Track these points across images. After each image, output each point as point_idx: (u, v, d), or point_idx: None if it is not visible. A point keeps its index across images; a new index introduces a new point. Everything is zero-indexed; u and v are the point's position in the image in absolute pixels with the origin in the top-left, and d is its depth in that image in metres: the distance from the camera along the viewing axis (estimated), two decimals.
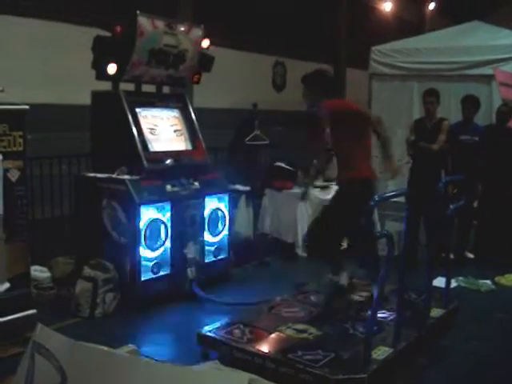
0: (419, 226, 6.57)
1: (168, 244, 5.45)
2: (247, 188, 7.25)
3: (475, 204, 7.12)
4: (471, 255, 7.10)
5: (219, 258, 6.08)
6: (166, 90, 6.42)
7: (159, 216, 5.36)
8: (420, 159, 6.68)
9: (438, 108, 6.75)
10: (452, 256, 6.04)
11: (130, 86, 5.79)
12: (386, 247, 3.76)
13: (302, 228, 7.19)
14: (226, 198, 6.16)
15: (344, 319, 4.47)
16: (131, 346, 3.48)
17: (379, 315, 4.12)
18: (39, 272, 5.61)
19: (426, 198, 5.08)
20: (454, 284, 5.69)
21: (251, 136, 7.17)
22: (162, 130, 5.86)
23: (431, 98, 6.66)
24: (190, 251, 5.62)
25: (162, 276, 5.41)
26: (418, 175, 6.60)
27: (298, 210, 7.19)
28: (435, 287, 4.72)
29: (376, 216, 7.12)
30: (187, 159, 5.92)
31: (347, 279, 5.00)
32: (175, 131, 6.01)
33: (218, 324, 4.29)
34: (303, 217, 7.24)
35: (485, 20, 10.90)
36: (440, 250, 4.99)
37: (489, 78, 9.11)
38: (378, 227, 7.08)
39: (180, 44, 5.77)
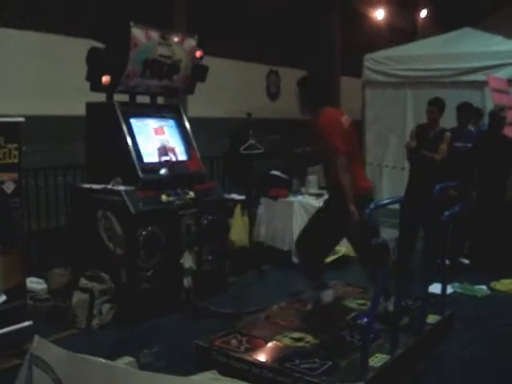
0: (417, 233, 6.57)
1: (164, 254, 5.45)
2: (242, 197, 7.25)
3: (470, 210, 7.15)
4: (466, 261, 7.11)
5: (215, 267, 6.07)
6: (160, 100, 6.44)
7: (155, 226, 5.36)
8: (419, 166, 6.66)
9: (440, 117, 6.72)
10: (447, 262, 6.05)
11: (125, 97, 5.80)
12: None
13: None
14: (222, 207, 6.16)
15: (341, 327, 4.48)
16: (129, 358, 3.48)
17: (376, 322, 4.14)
18: (35, 284, 5.60)
19: (424, 205, 5.09)
20: (450, 290, 5.71)
21: (246, 145, 7.18)
22: (157, 140, 5.87)
23: (431, 107, 6.62)
24: (186, 261, 5.62)
25: (158, 286, 5.40)
26: (417, 182, 6.58)
27: (294, 218, 7.20)
28: (431, 293, 4.74)
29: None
30: (182, 169, 5.93)
31: (331, 297, 4.86)
32: (170, 141, 6.01)
33: (214, 333, 4.30)
34: (299, 225, 7.24)
35: (476, 27, 10.98)
36: (435, 257, 5.00)
37: (481, 84, 9.17)
38: None
39: (174, 54, 5.79)
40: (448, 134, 6.62)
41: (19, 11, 7.15)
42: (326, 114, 4.63)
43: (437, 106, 6.62)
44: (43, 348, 2.84)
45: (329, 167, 4.64)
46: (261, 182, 7.89)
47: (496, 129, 7.13)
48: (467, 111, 6.98)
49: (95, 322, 5.12)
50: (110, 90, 5.56)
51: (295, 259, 7.18)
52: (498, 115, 7.17)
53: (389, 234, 6.69)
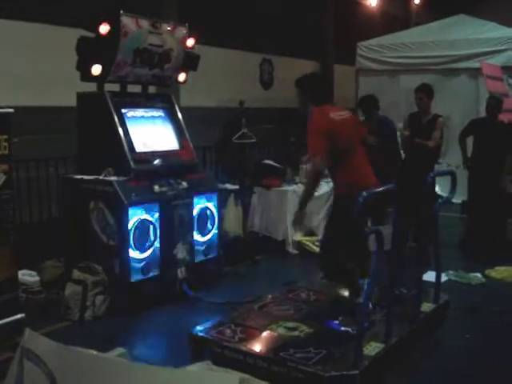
0: (410, 222, 6.55)
1: (157, 245, 5.43)
2: (236, 187, 7.23)
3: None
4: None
5: (209, 257, 6.05)
6: (152, 90, 6.38)
7: (147, 217, 5.34)
8: (413, 154, 6.63)
9: (431, 103, 6.65)
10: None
11: (116, 87, 5.75)
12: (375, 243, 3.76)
13: (292, 225, 7.17)
14: (215, 197, 6.14)
15: (335, 316, 4.46)
16: (121, 349, 3.46)
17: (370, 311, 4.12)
18: (28, 276, 5.56)
19: (418, 193, 5.06)
20: (444, 278, 5.70)
21: (238, 134, 7.15)
22: (149, 130, 5.83)
23: (419, 93, 6.60)
24: (180, 251, 5.61)
25: (151, 277, 5.38)
26: (411, 170, 6.54)
27: (288, 208, 7.18)
28: (426, 282, 4.73)
29: None
30: (175, 159, 5.89)
31: None
32: (162, 131, 5.97)
33: (209, 324, 4.28)
34: (293, 214, 7.21)
35: (470, 13, 10.97)
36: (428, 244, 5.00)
37: (475, 71, 9.17)
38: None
39: (165, 43, 5.74)
40: (441, 119, 6.60)
41: (7, 1, 7.07)
42: (316, 113, 4.46)
43: (423, 92, 6.59)
44: (34, 341, 2.81)
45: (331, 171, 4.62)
46: (254, 171, 7.87)
47: (490, 115, 7.11)
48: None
49: (88, 314, 5.10)
50: (100, 79, 5.51)
51: (289, 249, 7.18)
52: (489, 102, 7.15)
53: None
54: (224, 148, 7.64)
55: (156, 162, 5.60)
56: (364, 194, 3.65)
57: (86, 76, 5.42)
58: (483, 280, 6.19)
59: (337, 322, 4.34)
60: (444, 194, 4.74)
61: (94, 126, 5.62)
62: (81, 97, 5.66)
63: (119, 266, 5.23)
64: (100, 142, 5.56)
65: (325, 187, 7.49)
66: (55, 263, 5.89)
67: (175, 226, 5.59)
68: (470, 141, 7.35)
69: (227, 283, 6.07)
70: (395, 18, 16.32)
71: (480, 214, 7.06)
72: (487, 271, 6.36)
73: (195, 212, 5.84)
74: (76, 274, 5.25)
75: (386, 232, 3.90)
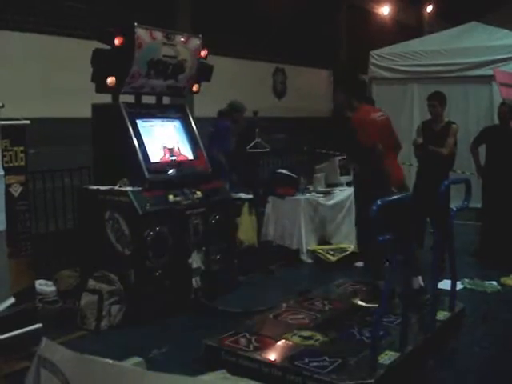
0: (425, 230, 6.53)
1: (172, 254, 5.45)
2: (250, 196, 7.24)
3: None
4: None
5: (224, 266, 6.06)
6: (166, 100, 6.43)
7: (162, 226, 5.36)
8: (427, 162, 6.62)
9: (444, 110, 6.65)
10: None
11: (130, 98, 5.80)
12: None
13: (306, 234, 7.18)
14: (229, 206, 6.15)
15: (350, 325, 4.46)
16: (137, 358, 3.48)
17: (385, 319, 4.12)
18: (44, 286, 5.62)
19: (433, 201, 5.05)
20: (459, 286, 5.68)
21: (252, 144, 7.17)
22: (163, 140, 5.87)
23: (432, 101, 6.59)
24: (195, 261, 5.62)
25: (166, 287, 5.40)
26: (425, 178, 6.52)
27: (302, 217, 7.18)
28: (441, 290, 4.71)
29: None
30: (189, 169, 5.93)
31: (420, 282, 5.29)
32: (176, 141, 6.01)
33: (223, 333, 4.29)
34: (307, 223, 7.23)
35: (482, 21, 10.95)
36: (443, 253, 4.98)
37: (489, 79, 9.15)
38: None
39: (179, 54, 5.78)
40: (454, 126, 6.57)
41: (22, 14, 7.16)
42: (362, 110, 5.26)
43: (437, 99, 6.57)
44: (51, 350, 2.82)
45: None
46: (268, 180, 7.89)
47: (502, 122, 7.09)
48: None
49: (104, 324, 5.13)
50: (115, 91, 5.56)
51: (304, 257, 7.18)
52: (499, 110, 7.14)
53: None
54: (238, 157, 7.66)
55: (170, 171, 5.64)
56: (379, 202, 3.66)
57: (101, 87, 5.47)
58: (499, 288, 6.15)
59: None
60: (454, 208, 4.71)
61: (109, 137, 5.66)
62: (96, 108, 5.71)
63: (134, 275, 5.26)
64: (115, 153, 5.60)
65: (339, 196, 7.51)
66: (71, 273, 5.93)
67: (190, 235, 5.61)
68: (482, 150, 7.34)
69: (242, 292, 6.07)
70: (408, 27, 16.33)
71: (495, 221, 7.02)
72: (503, 279, 6.32)
73: (209, 221, 5.86)
74: (92, 283, 5.28)
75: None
